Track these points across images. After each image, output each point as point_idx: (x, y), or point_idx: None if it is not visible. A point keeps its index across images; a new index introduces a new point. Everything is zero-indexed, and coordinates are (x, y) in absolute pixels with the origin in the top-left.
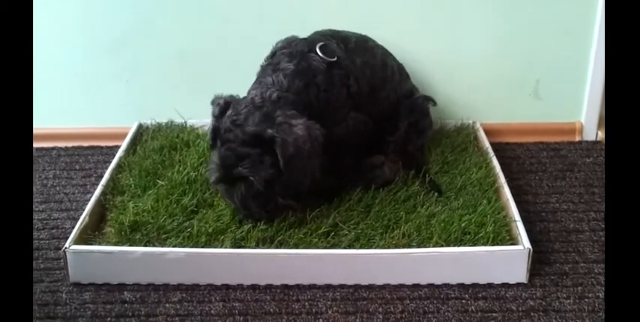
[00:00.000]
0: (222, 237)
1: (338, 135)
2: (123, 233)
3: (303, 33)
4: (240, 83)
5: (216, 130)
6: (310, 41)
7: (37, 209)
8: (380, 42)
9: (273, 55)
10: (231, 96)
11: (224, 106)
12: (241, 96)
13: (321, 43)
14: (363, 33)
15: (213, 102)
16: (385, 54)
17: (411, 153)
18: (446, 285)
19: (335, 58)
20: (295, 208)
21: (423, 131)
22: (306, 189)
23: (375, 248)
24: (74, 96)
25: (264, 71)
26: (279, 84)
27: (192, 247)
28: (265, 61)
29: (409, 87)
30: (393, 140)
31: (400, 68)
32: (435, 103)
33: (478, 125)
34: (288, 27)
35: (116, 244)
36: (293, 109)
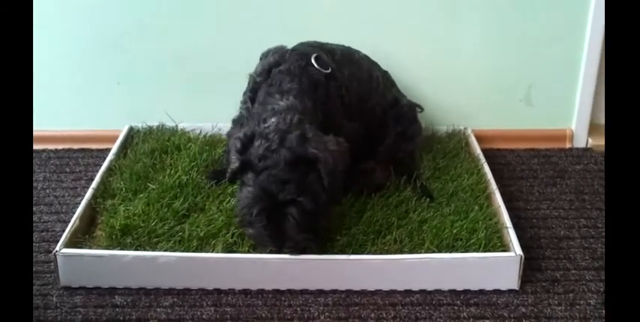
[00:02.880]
0: (214, 242)
1: None
2: (114, 236)
3: (299, 39)
4: (232, 88)
5: (246, 164)
6: (302, 53)
7: (32, 212)
8: (373, 47)
9: (268, 72)
10: (255, 129)
11: (246, 139)
12: (234, 102)
13: (315, 54)
14: (358, 39)
15: (231, 137)
16: (370, 65)
17: (401, 160)
18: (438, 291)
19: (329, 70)
20: (328, 229)
21: (412, 138)
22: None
23: (367, 253)
24: (65, 99)
25: (269, 93)
26: (294, 108)
27: (183, 251)
28: (258, 76)
29: (393, 95)
30: (382, 150)
31: (385, 77)
32: (422, 109)
33: (469, 131)
34: (283, 32)
35: (107, 248)
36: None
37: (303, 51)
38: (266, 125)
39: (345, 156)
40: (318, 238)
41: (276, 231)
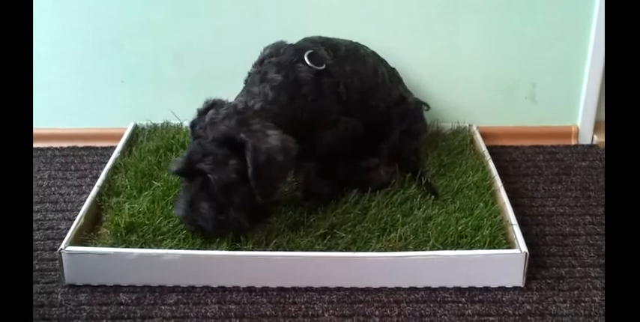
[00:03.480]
0: (218, 239)
1: (328, 139)
2: (118, 234)
3: (301, 37)
4: (236, 85)
5: (193, 125)
6: (299, 49)
7: (33, 210)
8: (377, 45)
9: (261, 62)
10: (220, 100)
11: (209, 105)
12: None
13: (309, 51)
14: (362, 36)
15: (206, 101)
16: (376, 62)
17: (406, 157)
18: (442, 288)
19: (323, 66)
20: (243, 226)
21: (417, 136)
22: (270, 201)
23: (372, 251)
24: (70, 97)
25: (252, 80)
26: (264, 96)
27: (188, 249)
28: (253, 67)
29: (400, 92)
30: (387, 146)
31: (391, 74)
32: (428, 107)
33: (474, 128)
34: (285, 30)
35: (112, 245)
36: (272, 122)
37: (301, 47)
38: (230, 101)
39: (287, 155)
40: (216, 226)
41: (187, 196)
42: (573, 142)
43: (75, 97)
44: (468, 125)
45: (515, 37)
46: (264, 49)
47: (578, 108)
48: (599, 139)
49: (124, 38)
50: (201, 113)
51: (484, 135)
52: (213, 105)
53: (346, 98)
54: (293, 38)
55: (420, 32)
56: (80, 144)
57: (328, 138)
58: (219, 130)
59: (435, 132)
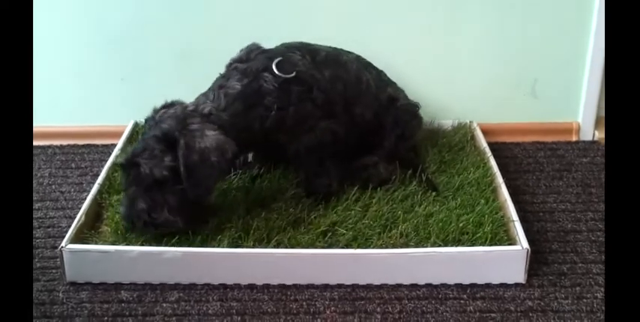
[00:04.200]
0: (220, 236)
1: (306, 145)
2: (119, 232)
3: (302, 35)
4: None
5: (146, 120)
6: (269, 56)
7: (33, 207)
8: (376, 42)
9: (229, 65)
10: (179, 101)
11: (166, 105)
12: None
13: (278, 59)
14: (363, 35)
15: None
16: (360, 68)
17: (405, 155)
18: (444, 285)
19: (293, 74)
20: (175, 227)
21: (411, 136)
22: (204, 201)
23: (373, 248)
24: (70, 94)
25: (214, 84)
26: (216, 102)
27: (189, 246)
28: (225, 69)
29: (388, 94)
30: (382, 151)
31: (377, 78)
32: (419, 107)
33: (475, 125)
34: (287, 29)
35: (113, 243)
36: (217, 128)
37: (271, 55)
38: (185, 103)
39: (222, 156)
40: (153, 224)
41: (129, 193)
42: (574, 138)
43: (75, 95)
44: (468, 122)
45: (515, 34)
46: (240, 51)
47: (579, 105)
48: (600, 135)
49: (124, 36)
50: (156, 111)
51: (485, 132)
52: (170, 105)
53: (324, 102)
54: (294, 38)
55: (421, 29)
56: (80, 142)
57: (305, 144)
58: (160, 128)
59: (435, 129)
